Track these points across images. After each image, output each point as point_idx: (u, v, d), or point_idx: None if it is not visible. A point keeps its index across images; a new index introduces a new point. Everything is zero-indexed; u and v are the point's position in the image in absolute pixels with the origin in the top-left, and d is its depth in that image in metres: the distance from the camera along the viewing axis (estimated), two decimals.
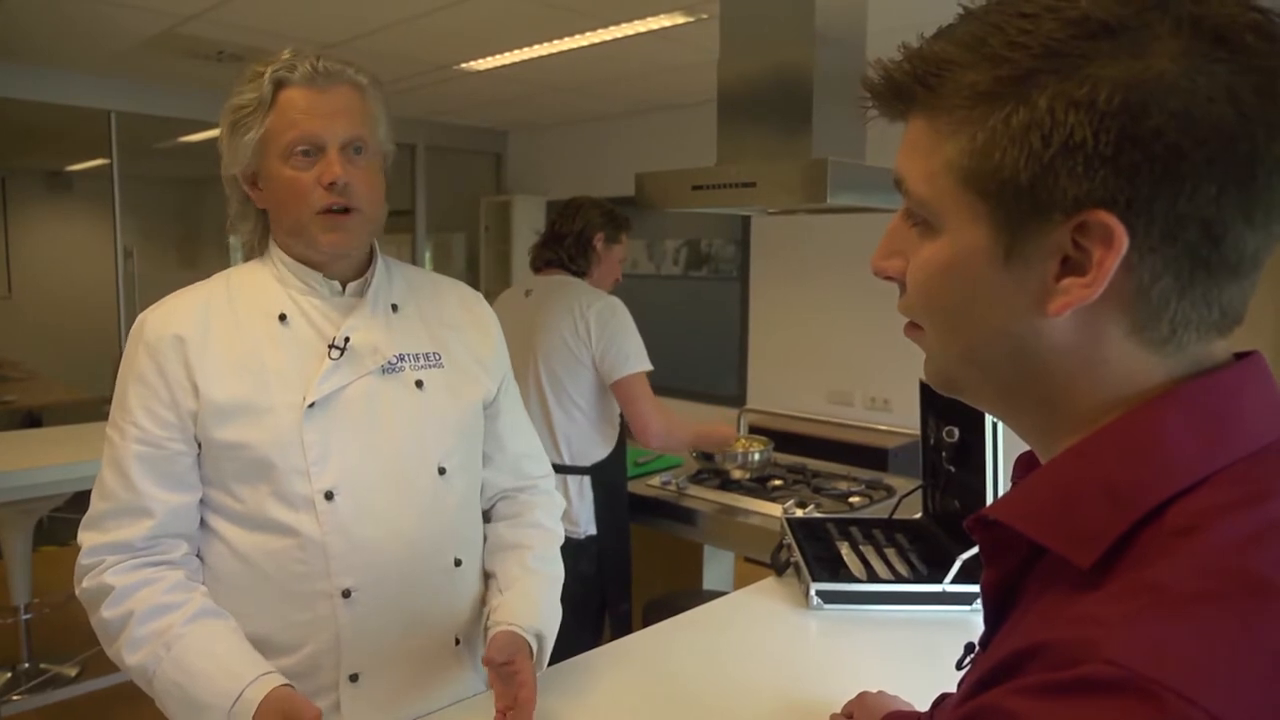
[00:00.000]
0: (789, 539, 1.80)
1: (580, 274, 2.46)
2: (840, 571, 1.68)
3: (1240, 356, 0.53)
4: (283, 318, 1.19)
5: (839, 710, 1.18)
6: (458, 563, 1.26)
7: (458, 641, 1.27)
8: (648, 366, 2.36)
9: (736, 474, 2.58)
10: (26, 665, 3.19)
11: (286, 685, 1.06)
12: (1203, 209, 0.46)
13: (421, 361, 1.25)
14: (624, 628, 2.41)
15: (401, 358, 1.23)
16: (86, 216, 5.69)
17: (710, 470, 2.61)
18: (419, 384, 1.23)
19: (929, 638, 1.49)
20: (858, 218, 2.08)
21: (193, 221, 6.58)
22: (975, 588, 1.53)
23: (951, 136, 0.51)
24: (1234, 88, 0.45)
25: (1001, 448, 1.57)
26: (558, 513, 1.44)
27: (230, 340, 1.16)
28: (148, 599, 1.09)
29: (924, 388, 1.85)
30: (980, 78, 0.49)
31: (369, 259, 1.26)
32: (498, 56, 4.01)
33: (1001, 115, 0.49)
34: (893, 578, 1.66)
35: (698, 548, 2.71)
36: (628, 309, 2.39)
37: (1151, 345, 0.51)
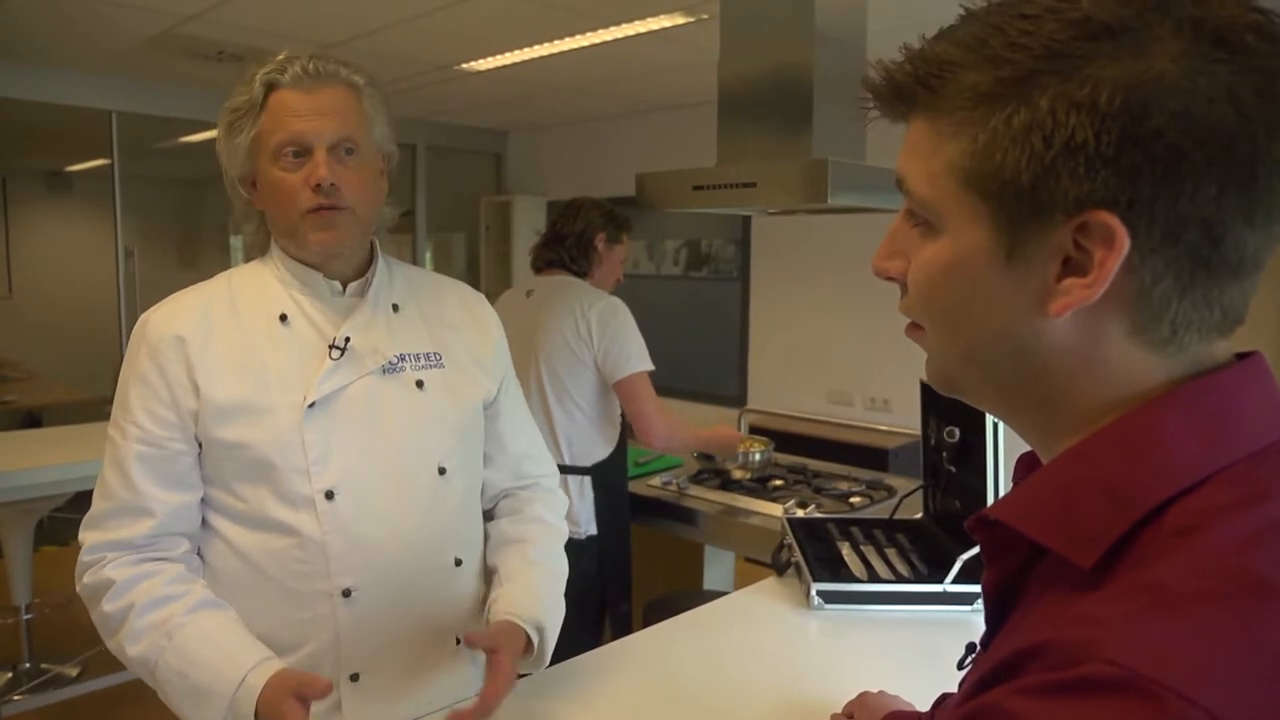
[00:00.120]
0: (790, 539, 1.80)
1: (581, 274, 2.46)
2: (841, 571, 1.68)
3: (1241, 357, 0.53)
4: (283, 318, 1.19)
5: (840, 710, 1.18)
6: (458, 562, 1.26)
7: (458, 641, 1.27)
8: (650, 366, 2.36)
9: (737, 474, 2.58)
10: (27, 665, 3.19)
11: (289, 669, 1.07)
12: (1203, 209, 0.46)
13: (422, 361, 1.25)
14: (624, 628, 2.41)
15: (402, 358, 1.23)
16: (87, 216, 5.68)
17: (711, 470, 2.61)
18: (419, 384, 1.23)
19: (930, 638, 1.49)
20: (858, 218, 2.09)
21: (193, 222, 6.57)
22: (976, 588, 1.53)
23: (953, 137, 0.52)
24: (1234, 88, 0.45)
25: (1002, 448, 1.57)
26: (561, 510, 1.43)
27: (231, 340, 1.16)
28: (148, 591, 1.10)
29: (925, 388, 1.85)
30: (982, 79, 0.49)
31: (369, 259, 1.26)
32: (498, 57, 4.01)
33: (1003, 116, 0.49)
34: (893, 578, 1.66)
35: (698, 548, 2.72)
36: (629, 309, 2.39)
37: (1152, 346, 0.51)
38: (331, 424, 1.16)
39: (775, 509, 2.32)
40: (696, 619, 1.58)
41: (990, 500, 1.56)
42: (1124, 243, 0.47)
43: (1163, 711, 0.39)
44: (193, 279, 1.25)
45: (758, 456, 2.59)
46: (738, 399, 5.01)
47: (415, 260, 5.91)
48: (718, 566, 2.79)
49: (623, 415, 2.46)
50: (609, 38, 3.62)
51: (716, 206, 1.82)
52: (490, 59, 4.06)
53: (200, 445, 1.16)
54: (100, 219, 4.88)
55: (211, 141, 1.22)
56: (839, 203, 1.64)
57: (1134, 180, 0.46)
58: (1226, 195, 0.46)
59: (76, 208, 6.29)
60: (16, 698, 3.06)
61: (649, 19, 3.35)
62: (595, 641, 2.18)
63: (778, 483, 2.59)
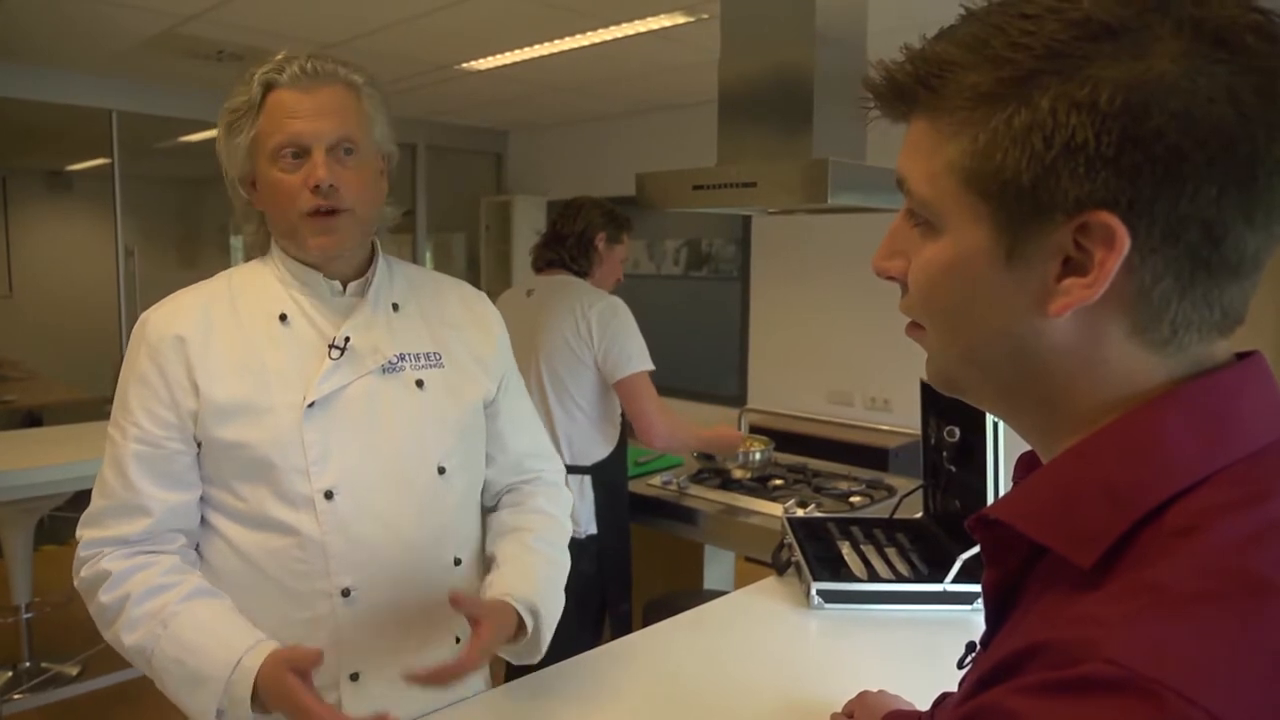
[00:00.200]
0: (790, 538, 1.80)
1: (582, 274, 2.46)
2: (841, 571, 1.68)
3: (1241, 356, 0.53)
4: (283, 318, 1.19)
5: (840, 709, 1.18)
6: (457, 561, 1.26)
7: (458, 640, 1.27)
8: (650, 366, 2.36)
9: (737, 474, 2.58)
10: (27, 664, 3.19)
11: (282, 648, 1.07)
12: (1203, 210, 0.46)
13: (422, 361, 1.25)
14: (624, 627, 2.41)
15: (402, 357, 1.23)
16: (87, 216, 5.68)
17: (711, 470, 2.61)
18: (419, 384, 1.23)
19: (930, 637, 1.49)
20: (858, 218, 2.09)
21: (193, 221, 6.58)
22: (976, 587, 1.53)
23: (953, 137, 0.52)
24: (1234, 89, 0.45)
25: (1002, 448, 1.57)
26: (565, 504, 1.42)
27: (231, 340, 1.17)
28: (144, 581, 1.11)
29: (925, 387, 1.85)
30: (982, 79, 0.49)
31: (370, 258, 1.26)
32: (498, 56, 4.01)
33: (1003, 116, 0.49)
34: (894, 577, 1.66)
35: (698, 547, 2.72)
36: (629, 309, 2.39)
37: (1152, 346, 0.51)
38: (331, 424, 1.16)
39: (775, 508, 2.32)
40: (696, 618, 1.58)
41: (990, 500, 1.55)
42: (1124, 243, 0.47)
43: (1163, 711, 0.39)
44: (193, 278, 1.24)
45: (758, 456, 2.60)
46: (738, 399, 5.01)
47: (415, 260, 5.91)
48: (718, 566, 2.79)
49: (623, 415, 2.46)
50: (609, 37, 3.62)
51: (716, 206, 1.82)
52: (490, 59, 4.06)
53: (200, 445, 1.16)
54: (100, 218, 4.88)
55: (211, 141, 1.22)
56: (839, 202, 1.64)
57: (1134, 180, 0.46)
58: (1227, 196, 0.46)
59: (77, 207, 6.29)
60: (17, 697, 3.07)
61: (649, 19, 3.35)
62: (595, 641, 2.18)
63: (778, 482, 2.59)
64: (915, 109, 0.54)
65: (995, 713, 0.45)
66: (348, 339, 1.18)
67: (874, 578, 1.66)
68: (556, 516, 1.38)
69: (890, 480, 2.61)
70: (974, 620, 1.54)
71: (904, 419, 4.17)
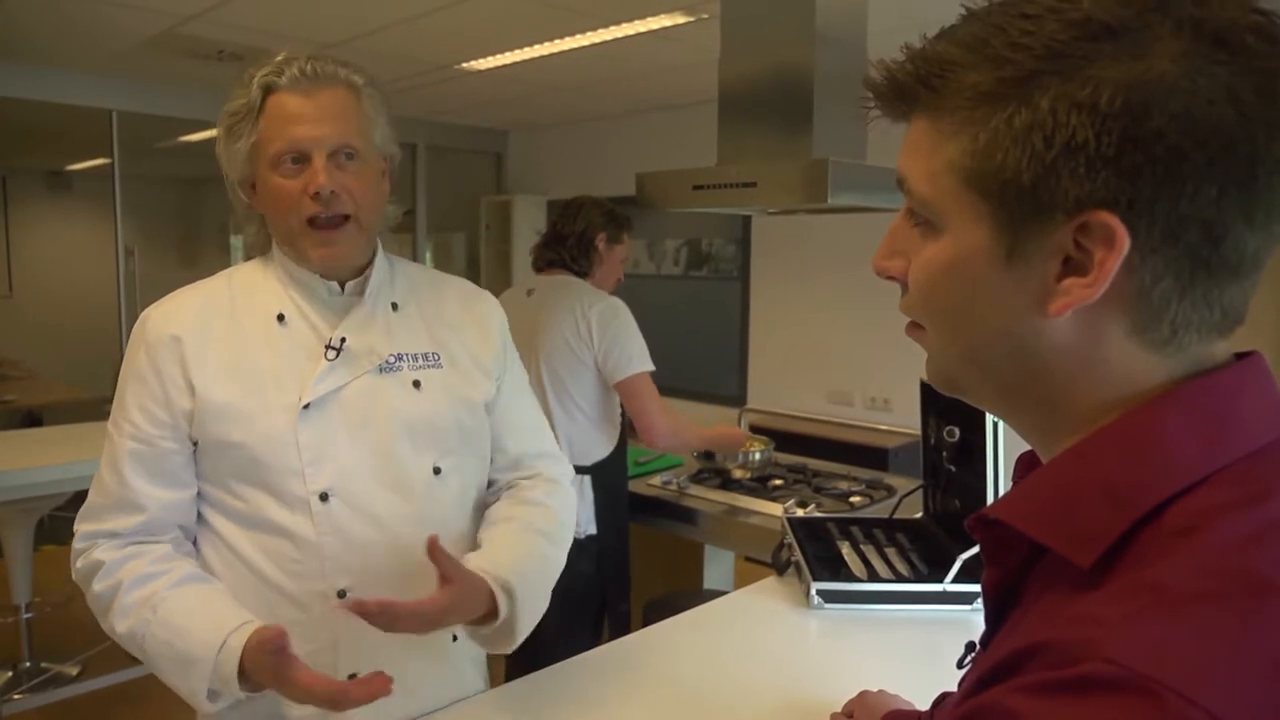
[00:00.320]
0: (790, 538, 1.80)
1: (582, 274, 2.46)
2: (841, 571, 1.68)
3: (1240, 357, 0.53)
4: (281, 318, 1.19)
5: (840, 709, 1.18)
6: None
7: (455, 639, 1.27)
8: (651, 367, 2.37)
9: (737, 474, 2.58)
10: (28, 664, 3.19)
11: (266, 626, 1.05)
12: (1203, 210, 0.46)
13: (420, 361, 1.24)
14: (623, 628, 2.41)
15: (399, 357, 1.22)
16: (87, 216, 5.68)
17: (711, 470, 2.61)
18: (416, 384, 1.22)
19: (929, 637, 1.49)
20: (858, 217, 2.09)
21: (193, 221, 6.58)
22: (976, 587, 1.53)
23: (953, 137, 0.52)
24: (1234, 89, 0.45)
25: (1002, 447, 1.57)
26: (563, 498, 1.37)
27: (228, 340, 1.17)
28: (135, 569, 1.11)
29: (925, 387, 1.85)
30: (982, 78, 0.50)
31: (369, 258, 1.26)
32: (498, 56, 4.01)
33: (1004, 116, 0.49)
34: (893, 577, 1.66)
35: (698, 547, 2.72)
36: (629, 309, 2.39)
37: (1152, 346, 0.51)
38: (326, 425, 1.16)
39: (775, 508, 2.32)
40: (696, 618, 1.58)
41: (990, 500, 1.56)
42: (1124, 243, 0.47)
43: (1163, 710, 0.39)
44: (193, 278, 1.24)
45: (758, 456, 2.60)
46: (738, 398, 5.02)
47: (415, 260, 5.90)
48: (718, 566, 2.79)
49: (623, 415, 2.46)
50: (609, 37, 3.62)
51: (717, 206, 1.82)
52: (490, 59, 4.06)
53: (196, 444, 1.16)
54: (100, 218, 4.88)
55: (211, 141, 1.22)
56: (839, 202, 1.64)
57: (1134, 181, 0.46)
58: (1226, 196, 0.46)
59: (77, 207, 6.29)
60: (16, 697, 3.07)
61: (649, 19, 3.35)
62: (594, 641, 2.18)
63: (778, 482, 2.59)
64: (916, 108, 0.54)
65: (995, 712, 0.45)
66: (343, 340, 1.18)
67: (874, 578, 1.66)
68: (548, 506, 1.33)
69: (890, 480, 2.61)
70: (974, 620, 1.54)
71: (904, 419, 4.17)
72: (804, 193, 1.65)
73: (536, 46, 3.82)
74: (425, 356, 1.25)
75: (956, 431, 1.72)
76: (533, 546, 1.25)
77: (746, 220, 4.88)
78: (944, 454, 1.80)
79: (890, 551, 1.79)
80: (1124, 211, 0.47)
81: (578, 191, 2.65)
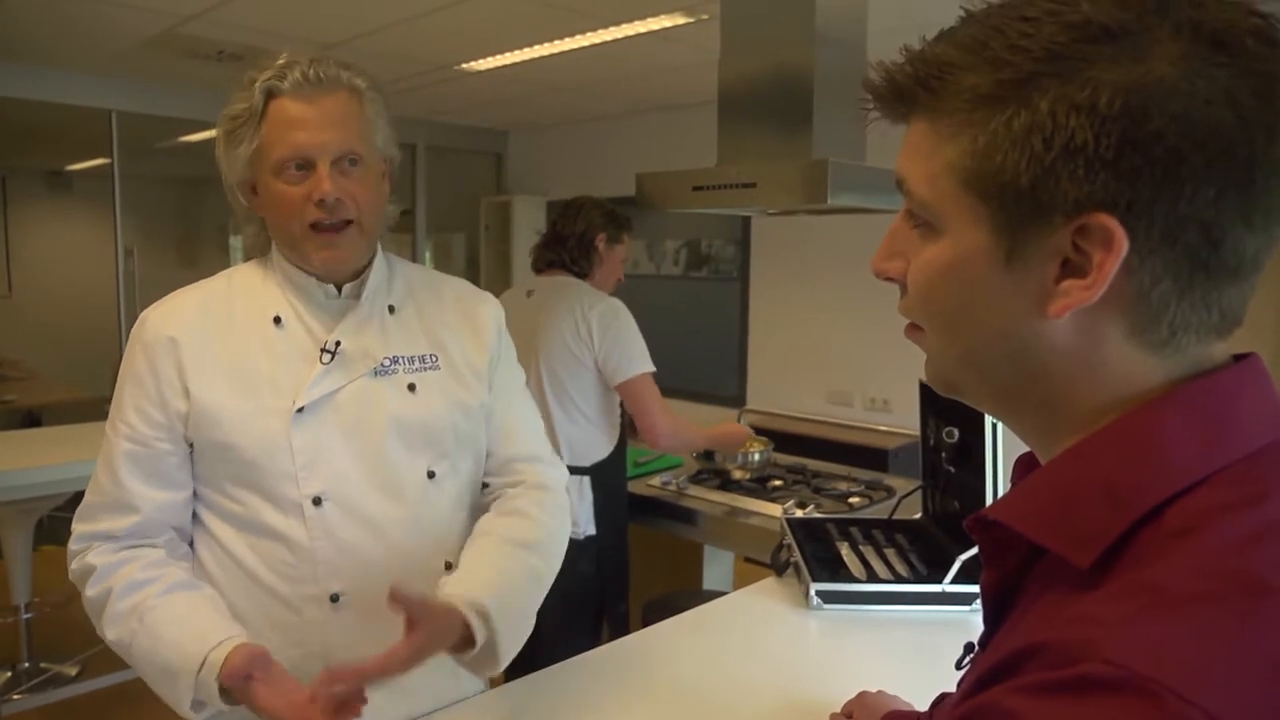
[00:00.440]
0: (789, 539, 1.80)
1: (582, 275, 2.46)
2: (840, 572, 1.68)
3: (1239, 358, 0.53)
4: (277, 320, 1.19)
5: (839, 710, 1.18)
6: (449, 566, 1.24)
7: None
8: (652, 368, 2.37)
9: (736, 474, 2.58)
10: (27, 665, 3.19)
11: (253, 645, 1.05)
12: (1202, 212, 0.47)
13: (416, 364, 1.23)
14: (622, 628, 2.41)
15: (395, 360, 1.22)
16: (87, 216, 5.68)
17: (710, 470, 2.61)
18: (411, 387, 1.22)
19: (928, 638, 1.49)
20: (858, 218, 2.09)
21: (193, 221, 6.58)
22: (975, 588, 1.53)
23: (952, 139, 0.52)
24: (1233, 91, 0.45)
25: (1001, 448, 1.57)
26: (550, 505, 1.33)
27: (225, 342, 1.16)
28: (126, 576, 1.11)
29: (924, 388, 1.85)
30: (981, 80, 0.50)
31: (367, 261, 1.26)
32: (498, 57, 4.01)
33: (1003, 118, 0.49)
34: (892, 578, 1.66)
35: (698, 548, 2.72)
36: (629, 310, 2.39)
37: (1151, 347, 0.51)
38: (320, 429, 1.16)
39: (774, 509, 2.32)
40: (696, 619, 1.58)
41: (989, 501, 1.56)
42: (1123, 245, 0.47)
43: (1162, 711, 0.39)
44: (192, 278, 1.24)
45: (757, 456, 2.60)
46: (737, 399, 5.01)
47: (415, 260, 5.90)
48: (717, 566, 2.79)
49: (622, 416, 2.46)
50: (609, 38, 3.62)
51: (716, 207, 1.82)
52: (490, 59, 4.06)
53: (192, 446, 1.16)
54: (100, 218, 4.88)
55: (211, 141, 1.22)
56: (839, 203, 1.64)
57: (1133, 183, 0.46)
58: (1225, 198, 0.46)
59: (76, 207, 6.29)
60: (16, 697, 3.06)
61: (649, 19, 3.35)
62: (593, 642, 2.18)
63: (777, 483, 2.59)
64: (915, 110, 0.54)
65: (994, 712, 0.45)
66: (338, 343, 1.18)
67: (873, 578, 1.66)
68: (536, 517, 1.29)
69: (889, 481, 2.61)
70: (973, 621, 1.54)
71: (903, 420, 4.17)
72: (804, 193, 1.65)
73: (536, 47, 3.82)
74: (422, 359, 1.24)
75: (956, 432, 1.72)
76: (513, 563, 1.21)
77: (746, 221, 4.88)
78: (943, 455, 1.80)
79: (889, 552, 1.79)
80: (1123, 213, 0.47)
81: (577, 192, 2.64)
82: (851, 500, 2.42)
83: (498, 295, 1.51)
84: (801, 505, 2.34)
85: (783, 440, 2.91)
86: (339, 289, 1.22)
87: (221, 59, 4.03)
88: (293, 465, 1.14)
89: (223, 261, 5.16)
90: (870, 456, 3.77)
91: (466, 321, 1.32)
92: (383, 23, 3.49)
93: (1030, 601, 0.54)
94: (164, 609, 1.09)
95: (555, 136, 6.00)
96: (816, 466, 2.79)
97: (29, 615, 3.17)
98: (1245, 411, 0.50)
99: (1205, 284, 0.49)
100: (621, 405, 2.45)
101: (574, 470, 2.34)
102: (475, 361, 1.30)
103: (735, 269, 5.07)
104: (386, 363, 1.21)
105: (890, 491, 2.50)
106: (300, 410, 1.14)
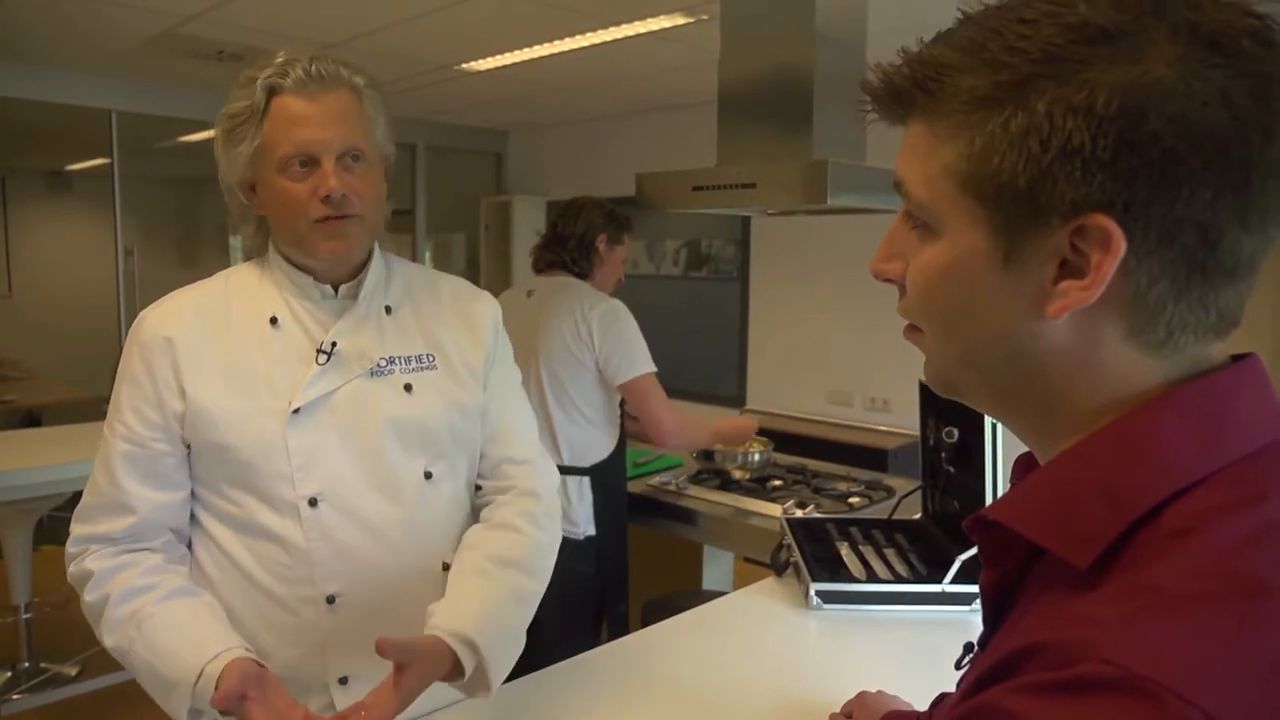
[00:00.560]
0: (789, 539, 1.80)
1: (583, 276, 2.45)
2: (840, 572, 1.68)
3: (1237, 359, 0.53)
4: (274, 321, 1.19)
5: (838, 710, 1.18)
6: (446, 567, 1.24)
7: None
8: (654, 367, 2.37)
9: (736, 474, 2.58)
10: (26, 664, 3.19)
11: (249, 659, 1.04)
12: (1199, 213, 0.47)
13: (413, 364, 1.23)
14: (621, 628, 2.41)
15: (391, 360, 1.22)
16: (87, 216, 5.68)
17: (710, 470, 2.61)
18: (408, 387, 1.21)
19: (928, 638, 1.49)
20: (858, 218, 2.09)
21: (193, 221, 6.57)
22: (974, 588, 1.53)
23: (950, 141, 0.52)
24: (1229, 92, 0.45)
25: (1001, 449, 1.57)
26: (540, 514, 1.30)
27: (221, 343, 1.16)
28: (124, 582, 1.11)
29: (924, 388, 1.85)
30: (979, 82, 0.50)
31: (365, 260, 1.26)
32: (498, 57, 4.01)
33: (1000, 120, 0.49)
34: (892, 578, 1.66)
35: (697, 548, 2.72)
36: (630, 311, 2.39)
37: (1148, 348, 0.51)
38: (316, 430, 1.16)
39: (774, 509, 2.32)
40: (695, 619, 1.58)
41: (989, 501, 1.56)
42: (1120, 246, 0.47)
43: (1161, 711, 0.39)
44: (192, 278, 1.24)
45: (757, 457, 2.60)
46: (737, 399, 5.01)
47: (415, 260, 5.90)
48: (717, 566, 2.79)
49: (622, 417, 2.46)
50: (609, 38, 3.62)
51: (716, 207, 1.82)
52: (490, 59, 4.06)
53: (188, 447, 1.16)
54: (100, 218, 4.88)
55: (212, 141, 1.22)
56: (839, 203, 1.64)
57: (1130, 184, 0.46)
58: (1221, 199, 0.46)
59: (76, 207, 6.29)
60: (16, 697, 3.07)
61: (649, 19, 3.35)
62: (592, 643, 2.18)
63: (777, 483, 2.59)
64: (912, 112, 0.54)
65: (993, 712, 0.45)
66: (335, 344, 1.18)
67: (873, 578, 1.66)
68: (524, 531, 1.26)
69: (889, 481, 2.61)
70: (972, 621, 1.54)
71: (903, 420, 4.17)
72: (803, 194, 1.65)
73: (536, 47, 3.82)
74: (419, 359, 1.24)
75: (955, 433, 1.72)
76: (497, 587, 1.18)
77: (746, 221, 4.88)
78: (943, 455, 1.81)
79: (889, 552, 1.79)
80: (1120, 214, 0.47)
81: (577, 192, 2.64)
82: (851, 500, 2.42)
83: (497, 295, 1.51)
84: (801, 505, 2.34)
85: (782, 440, 2.91)
86: (336, 289, 1.22)
87: (222, 59, 4.03)
88: (289, 466, 1.14)
89: (223, 262, 5.16)
90: (870, 456, 3.77)
91: (463, 320, 1.31)
92: (383, 23, 3.49)
93: (1029, 602, 0.54)
94: (161, 617, 1.09)
95: (555, 136, 6.00)
96: (816, 466, 2.79)
97: (29, 615, 3.17)
98: (1243, 412, 0.50)
99: (1202, 285, 0.49)
100: (621, 405, 2.45)
101: (574, 471, 2.35)
102: (472, 360, 1.29)
103: (735, 269, 5.07)
104: (383, 363, 1.21)
105: (890, 491, 2.50)
106: (296, 411, 1.14)
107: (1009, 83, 0.48)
